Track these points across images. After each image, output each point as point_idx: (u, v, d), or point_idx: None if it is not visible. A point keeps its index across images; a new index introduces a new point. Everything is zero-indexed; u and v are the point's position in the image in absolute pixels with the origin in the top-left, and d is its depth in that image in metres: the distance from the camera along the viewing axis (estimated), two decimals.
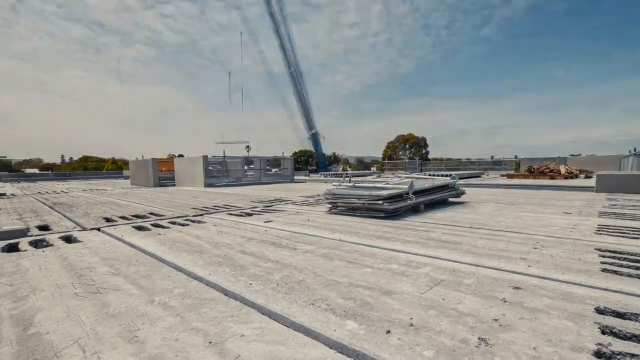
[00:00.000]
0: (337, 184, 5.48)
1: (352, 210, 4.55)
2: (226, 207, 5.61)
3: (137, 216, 4.70)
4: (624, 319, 1.38)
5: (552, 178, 13.44)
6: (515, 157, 25.13)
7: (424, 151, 57.60)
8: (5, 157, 43.85)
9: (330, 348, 1.21)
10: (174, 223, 4.03)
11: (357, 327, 1.33)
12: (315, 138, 41.78)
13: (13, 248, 2.86)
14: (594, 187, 7.81)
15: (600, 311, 1.45)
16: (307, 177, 19.90)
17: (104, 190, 11.02)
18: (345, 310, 1.48)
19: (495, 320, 1.38)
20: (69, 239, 3.18)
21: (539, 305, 1.52)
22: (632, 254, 2.32)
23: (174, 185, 13.60)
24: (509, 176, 15.21)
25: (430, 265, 2.14)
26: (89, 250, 2.73)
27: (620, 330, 1.27)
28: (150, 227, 3.78)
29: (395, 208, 4.13)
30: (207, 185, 12.20)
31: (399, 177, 7.12)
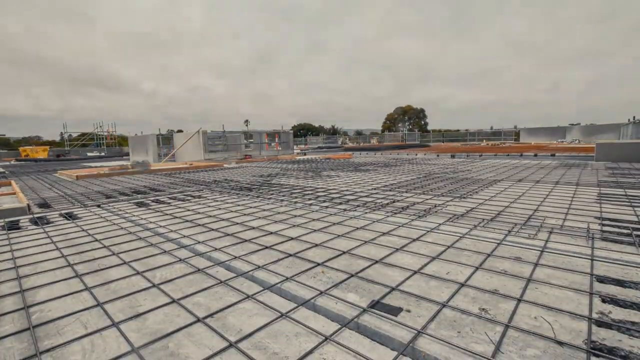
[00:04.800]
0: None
1: None
2: (226, 181, 5.59)
3: (137, 192, 4.69)
4: (624, 287, 1.38)
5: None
6: (515, 127, 24.89)
7: (422, 122, 56.93)
8: (5, 135, 43.34)
9: (332, 320, 1.22)
10: (174, 198, 4.02)
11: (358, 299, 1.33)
12: None
13: (14, 226, 2.86)
14: (593, 156, 7.77)
15: (600, 280, 1.45)
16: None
17: (103, 166, 10.96)
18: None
19: (496, 290, 1.38)
20: (69, 216, 3.17)
21: (540, 275, 1.52)
22: (631, 222, 2.32)
23: (174, 160, 13.53)
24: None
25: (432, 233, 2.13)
26: (89, 227, 2.73)
27: (620, 299, 1.28)
28: (150, 202, 3.78)
29: None
30: (207, 160, 12.14)
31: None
